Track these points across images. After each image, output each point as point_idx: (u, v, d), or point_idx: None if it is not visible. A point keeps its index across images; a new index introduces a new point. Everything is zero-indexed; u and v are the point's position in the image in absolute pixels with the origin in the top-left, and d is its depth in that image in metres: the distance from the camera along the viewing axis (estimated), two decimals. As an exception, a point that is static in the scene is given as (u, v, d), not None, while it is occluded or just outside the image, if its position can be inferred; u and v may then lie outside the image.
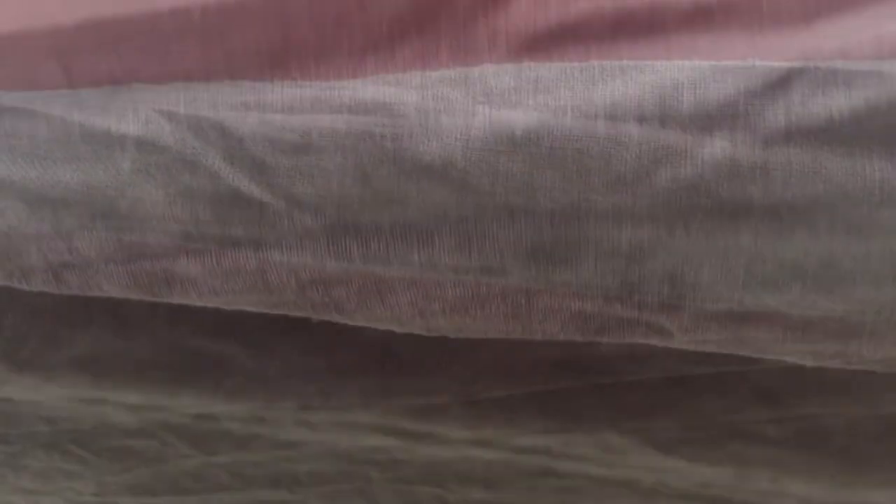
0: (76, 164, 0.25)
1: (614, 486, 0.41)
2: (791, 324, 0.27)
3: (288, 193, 0.25)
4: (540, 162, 0.25)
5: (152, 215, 0.25)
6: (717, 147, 0.25)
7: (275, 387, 0.35)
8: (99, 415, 0.39)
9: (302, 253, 0.26)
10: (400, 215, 0.25)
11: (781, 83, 0.24)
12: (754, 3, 0.25)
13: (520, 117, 0.24)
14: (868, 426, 0.35)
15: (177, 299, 0.27)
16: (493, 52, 0.25)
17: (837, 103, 0.24)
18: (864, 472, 0.37)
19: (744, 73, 0.24)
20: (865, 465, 0.37)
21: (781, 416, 0.35)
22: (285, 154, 0.25)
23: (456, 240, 0.25)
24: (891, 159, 0.25)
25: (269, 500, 0.45)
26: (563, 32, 0.25)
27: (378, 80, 0.25)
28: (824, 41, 0.25)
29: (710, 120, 0.24)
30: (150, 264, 0.26)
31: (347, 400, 0.35)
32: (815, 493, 0.38)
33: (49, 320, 0.33)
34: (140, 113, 0.25)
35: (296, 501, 0.45)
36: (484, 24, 0.25)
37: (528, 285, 0.26)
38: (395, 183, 0.25)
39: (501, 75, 0.25)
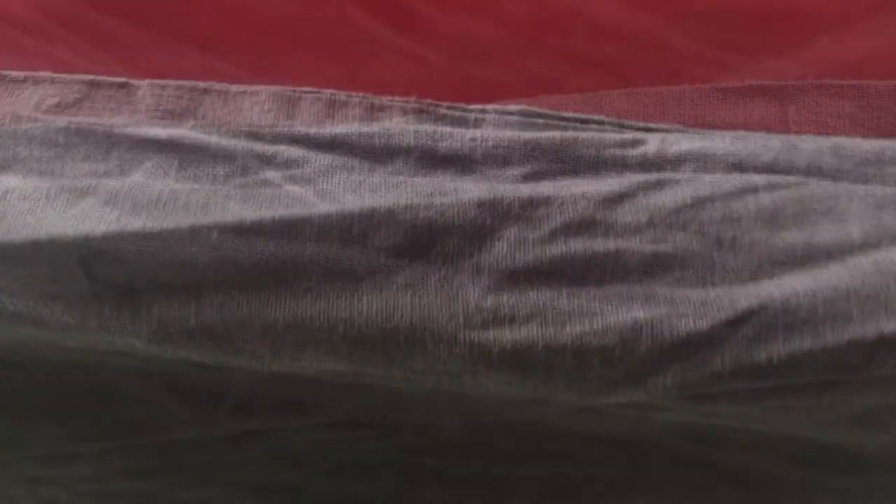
0: None
1: (603, 447, 0.41)
2: None
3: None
4: (512, 377, 0.28)
5: None
6: (668, 380, 0.28)
7: None
8: (104, 382, 0.38)
9: None
10: None
11: (729, 328, 0.28)
12: (707, 258, 0.29)
13: (497, 341, 0.27)
14: None
15: None
16: (476, 284, 0.28)
17: (777, 350, 0.27)
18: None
19: (694, 317, 0.28)
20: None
21: None
22: None
23: None
24: (820, 398, 0.28)
25: (270, 480, 0.44)
26: (538, 272, 0.28)
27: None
28: (769, 293, 0.28)
29: (662, 359, 0.28)
30: None
31: None
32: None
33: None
34: None
35: (296, 482, 0.44)
36: (469, 261, 0.28)
37: None
38: None
39: (482, 304, 0.28)
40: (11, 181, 0.29)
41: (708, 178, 0.30)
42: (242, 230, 0.28)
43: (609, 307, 0.28)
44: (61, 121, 0.30)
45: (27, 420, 0.41)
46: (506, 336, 0.28)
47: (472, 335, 0.28)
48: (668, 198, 0.29)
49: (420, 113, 0.32)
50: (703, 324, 0.28)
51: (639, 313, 0.28)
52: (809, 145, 0.32)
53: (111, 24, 0.34)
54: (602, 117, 0.33)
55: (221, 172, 0.29)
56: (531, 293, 0.28)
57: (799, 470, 0.42)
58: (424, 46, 0.35)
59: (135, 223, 0.27)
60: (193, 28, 0.34)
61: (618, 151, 0.31)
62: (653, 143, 0.31)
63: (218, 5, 0.34)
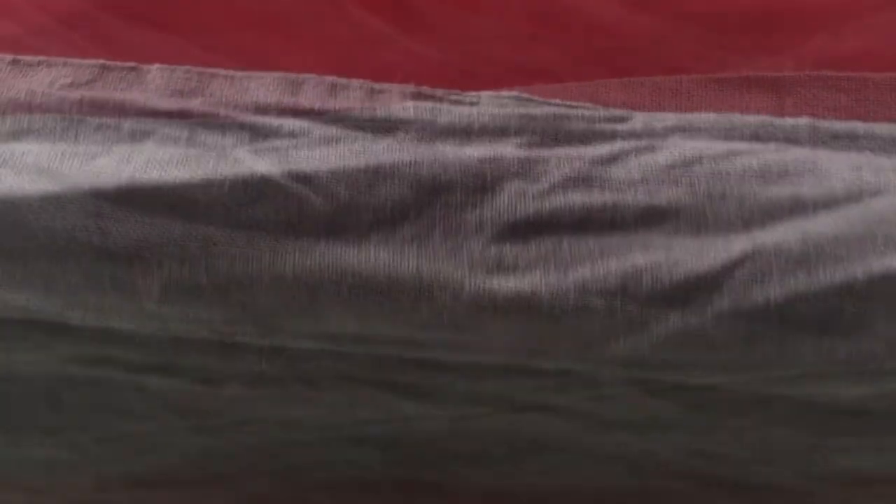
0: None
1: (604, 460, 0.42)
2: None
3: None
4: (517, 325, 0.28)
5: None
6: (670, 325, 0.28)
7: None
8: (101, 396, 0.39)
9: None
10: None
11: (725, 271, 0.29)
12: (699, 210, 0.30)
13: (501, 288, 0.28)
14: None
15: None
16: (479, 235, 0.29)
17: (773, 291, 0.28)
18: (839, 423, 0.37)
19: (692, 261, 0.29)
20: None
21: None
22: None
23: None
24: (818, 341, 0.28)
25: (270, 492, 0.44)
26: (539, 223, 0.29)
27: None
28: (762, 239, 0.29)
29: (663, 301, 0.28)
30: None
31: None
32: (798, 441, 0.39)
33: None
34: None
35: (295, 495, 0.44)
36: (472, 213, 0.29)
37: None
38: None
39: (486, 253, 0.29)
40: (26, 147, 0.29)
41: (694, 144, 0.32)
42: (253, 182, 0.29)
43: (609, 254, 0.29)
44: (75, 95, 0.31)
45: (25, 432, 0.41)
46: (510, 282, 0.28)
47: (477, 282, 0.28)
48: (658, 158, 0.31)
49: (418, 96, 0.33)
50: (701, 267, 0.29)
51: (638, 259, 0.29)
52: (788, 123, 0.33)
53: (113, 23, 0.36)
54: (591, 104, 0.35)
55: (230, 142, 0.31)
56: (533, 243, 0.29)
57: (800, 481, 0.42)
58: (423, 43, 0.36)
59: (149, 176, 0.28)
60: (195, 27, 0.36)
61: (607, 126, 0.33)
62: (640, 119, 0.33)
63: (219, 3, 0.36)
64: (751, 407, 0.40)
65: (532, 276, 0.28)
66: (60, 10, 0.35)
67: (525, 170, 0.30)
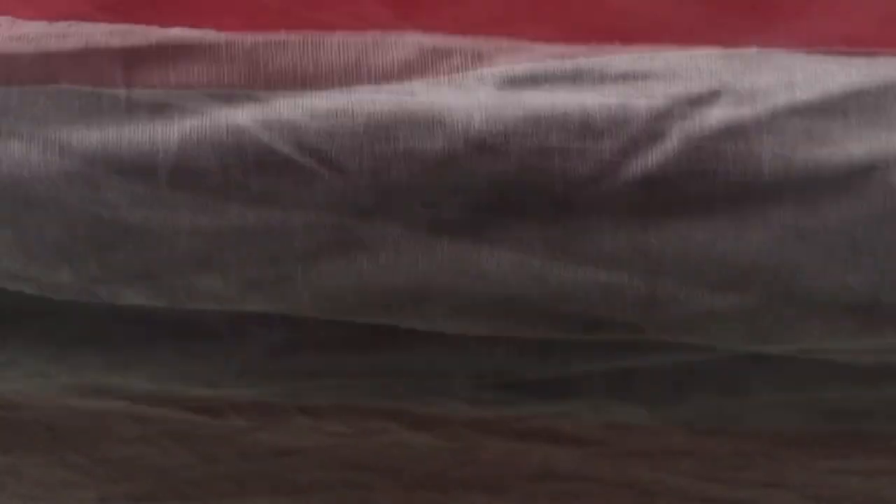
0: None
1: (614, 487, 0.40)
2: None
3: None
4: (525, 161, 0.30)
5: None
6: (674, 141, 0.30)
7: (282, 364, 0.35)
8: (100, 423, 0.39)
9: None
10: None
11: (712, 94, 0.31)
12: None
13: (511, 112, 0.30)
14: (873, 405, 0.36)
15: None
16: (483, 85, 0.31)
17: (759, 109, 0.31)
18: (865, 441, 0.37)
19: (685, 84, 0.31)
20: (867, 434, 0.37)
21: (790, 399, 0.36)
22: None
23: None
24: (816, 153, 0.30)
25: None
26: (535, 76, 0.32)
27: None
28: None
29: (662, 116, 0.30)
30: None
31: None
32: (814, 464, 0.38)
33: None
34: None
35: None
36: (473, 73, 0.32)
37: None
38: None
39: (491, 96, 0.31)
40: None
41: None
42: (272, 42, 0.31)
43: (604, 92, 0.31)
44: (103, 29, 0.34)
45: (23, 453, 0.42)
46: (519, 110, 0.30)
47: (487, 111, 0.30)
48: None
49: None
50: (692, 90, 0.31)
51: (631, 91, 0.31)
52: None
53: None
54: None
55: None
56: (532, 90, 0.31)
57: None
58: (422, 26, 0.39)
59: (174, 37, 0.31)
60: (196, 27, 0.39)
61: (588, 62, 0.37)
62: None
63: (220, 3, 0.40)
64: (760, 427, 0.39)
65: (537, 97, 0.31)
66: (60, 12, 0.37)
67: (515, 49, 0.33)
